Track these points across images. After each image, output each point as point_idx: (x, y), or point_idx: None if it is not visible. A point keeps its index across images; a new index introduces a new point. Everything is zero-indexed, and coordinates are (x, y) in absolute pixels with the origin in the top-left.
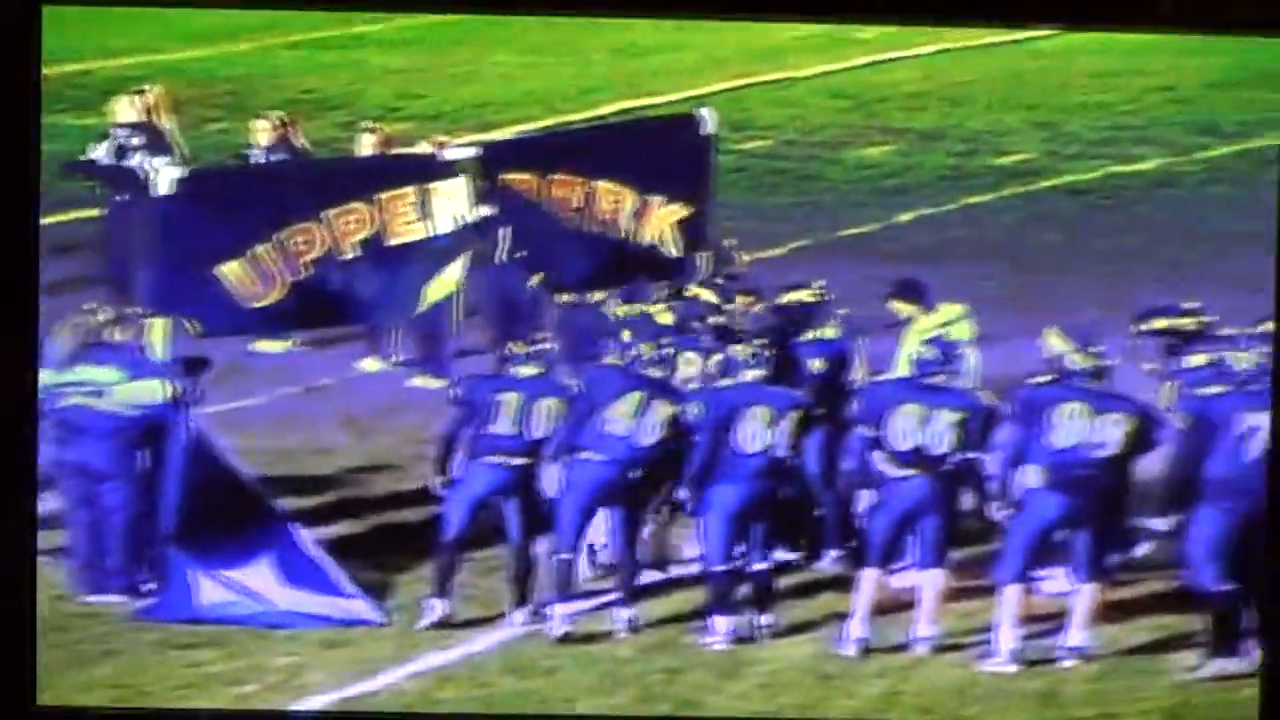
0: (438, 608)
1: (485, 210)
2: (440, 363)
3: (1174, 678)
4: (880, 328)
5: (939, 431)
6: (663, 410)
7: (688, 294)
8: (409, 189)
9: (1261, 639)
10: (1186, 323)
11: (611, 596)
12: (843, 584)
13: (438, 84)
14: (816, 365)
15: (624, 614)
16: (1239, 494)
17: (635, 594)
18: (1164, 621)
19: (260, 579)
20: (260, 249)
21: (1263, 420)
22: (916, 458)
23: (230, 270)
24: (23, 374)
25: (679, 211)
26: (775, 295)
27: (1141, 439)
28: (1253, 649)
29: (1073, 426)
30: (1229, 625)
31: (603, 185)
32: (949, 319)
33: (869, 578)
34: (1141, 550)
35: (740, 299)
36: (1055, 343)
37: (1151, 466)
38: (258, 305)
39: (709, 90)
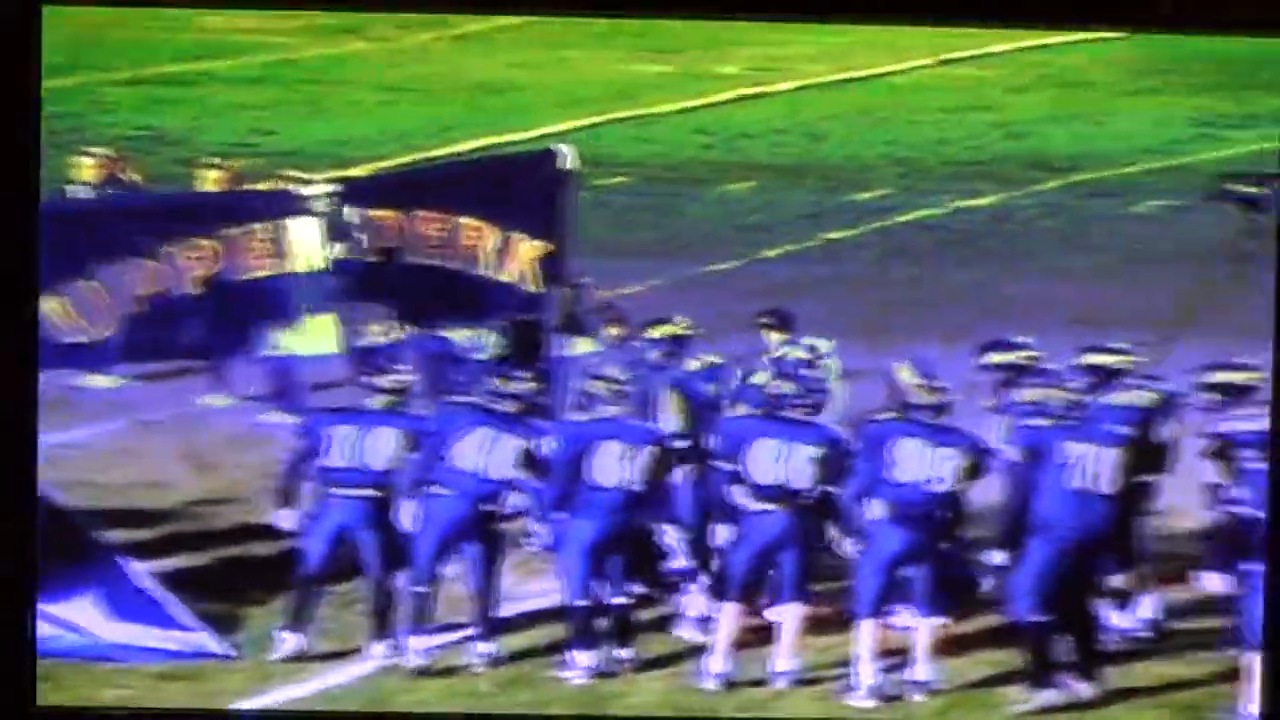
0: (290, 640)
1: (343, 247)
2: (293, 397)
3: (1007, 710)
4: (748, 361)
5: (798, 465)
6: (512, 444)
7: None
8: (259, 225)
9: (1263, 648)
10: (1017, 357)
11: (470, 631)
12: (702, 619)
13: (289, 120)
14: (710, 392)
15: (483, 648)
16: (1061, 527)
17: (494, 628)
18: (1004, 654)
19: (84, 613)
20: (84, 285)
21: (1080, 452)
22: (776, 492)
23: (48, 307)
24: (23, 374)
25: (540, 248)
26: (642, 329)
27: (976, 473)
28: (1071, 681)
29: (912, 461)
30: (1047, 657)
31: (464, 222)
32: (815, 354)
33: (729, 612)
34: (983, 583)
35: (611, 330)
36: (905, 377)
37: (987, 500)
38: (81, 340)
39: (570, 126)
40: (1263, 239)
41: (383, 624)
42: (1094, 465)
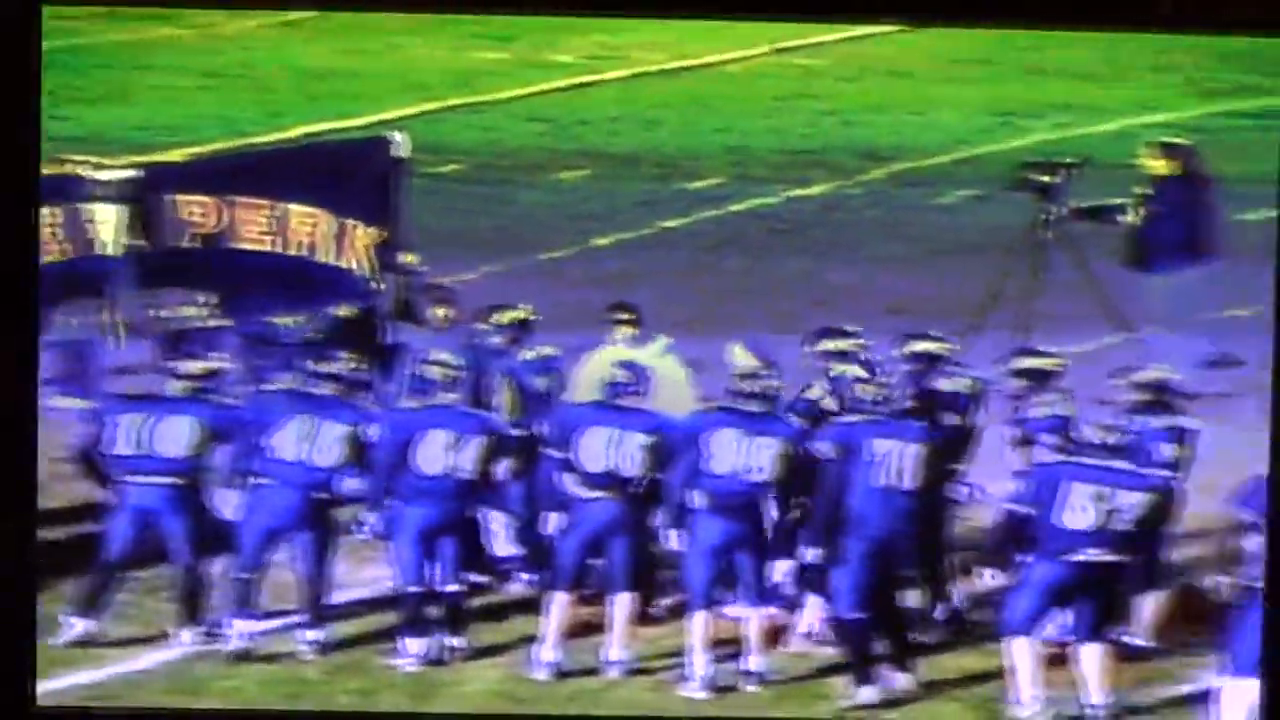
0: (78, 625)
1: (141, 232)
2: (84, 383)
3: (836, 702)
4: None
5: (629, 454)
6: (334, 432)
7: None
8: (47, 210)
9: (1263, 645)
10: (846, 346)
11: (297, 617)
12: (534, 606)
13: (81, 106)
14: (542, 383)
15: (310, 635)
16: (869, 524)
17: (323, 615)
18: (832, 646)
19: None
20: None
21: (887, 448)
22: (607, 480)
23: None
24: (23, 374)
25: (375, 235)
26: (485, 316)
27: (793, 464)
28: (890, 677)
29: (730, 451)
30: (865, 653)
31: (295, 209)
32: (654, 348)
33: (559, 601)
34: (804, 577)
35: (438, 311)
36: (740, 357)
37: (806, 492)
38: None
39: (404, 113)
40: (1055, 227)
41: (192, 610)
42: (898, 461)
